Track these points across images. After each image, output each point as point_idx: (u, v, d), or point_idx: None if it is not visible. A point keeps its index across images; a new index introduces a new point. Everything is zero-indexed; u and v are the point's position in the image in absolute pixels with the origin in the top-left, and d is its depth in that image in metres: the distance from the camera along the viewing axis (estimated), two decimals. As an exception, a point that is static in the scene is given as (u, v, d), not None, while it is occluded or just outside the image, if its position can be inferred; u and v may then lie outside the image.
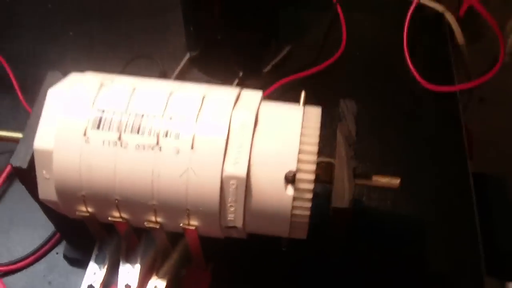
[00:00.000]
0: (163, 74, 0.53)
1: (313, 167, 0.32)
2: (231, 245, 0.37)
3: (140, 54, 0.55)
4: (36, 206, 0.38)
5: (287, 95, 0.52)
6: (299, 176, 0.32)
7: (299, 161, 0.32)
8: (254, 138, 0.33)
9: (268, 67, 0.54)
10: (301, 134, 0.33)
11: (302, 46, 0.56)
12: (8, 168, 0.48)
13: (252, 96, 0.35)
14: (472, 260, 0.44)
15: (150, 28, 0.59)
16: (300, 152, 0.32)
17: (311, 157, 0.32)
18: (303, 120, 0.33)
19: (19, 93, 0.53)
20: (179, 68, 0.54)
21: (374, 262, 0.43)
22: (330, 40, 0.57)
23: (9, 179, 0.49)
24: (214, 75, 0.54)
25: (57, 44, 0.58)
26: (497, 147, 1.25)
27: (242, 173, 0.32)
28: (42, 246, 0.45)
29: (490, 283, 0.51)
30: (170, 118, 0.33)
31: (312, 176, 0.32)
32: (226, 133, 0.32)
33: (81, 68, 0.40)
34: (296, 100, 0.36)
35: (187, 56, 0.55)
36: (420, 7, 0.59)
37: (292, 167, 0.32)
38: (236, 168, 0.32)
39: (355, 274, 0.42)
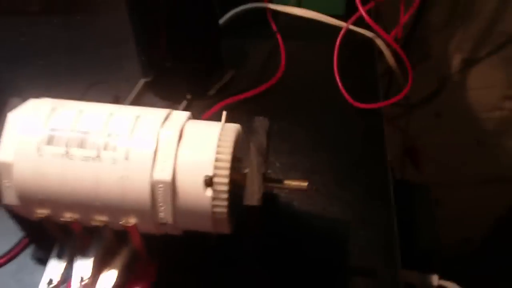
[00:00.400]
0: (116, 99, 0.60)
1: (227, 172, 0.39)
2: (172, 242, 0.44)
3: (99, 81, 0.62)
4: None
5: (231, 115, 0.59)
6: (215, 180, 0.39)
7: (215, 167, 0.39)
8: (178, 150, 0.39)
9: (213, 90, 0.61)
10: (218, 146, 0.40)
11: (245, 71, 0.64)
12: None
13: (180, 116, 0.42)
14: (389, 256, 0.51)
15: (108, 58, 0.66)
16: (216, 160, 0.39)
17: (226, 164, 0.39)
18: (220, 135, 0.40)
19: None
20: (134, 92, 0.61)
21: (299, 254, 0.50)
22: (270, 65, 0.64)
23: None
24: (166, 98, 0.61)
25: (26, 73, 0.65)
26: (448, 158, 1.32)
27: (168, 178, 0.39)
28: (12, 248, 0.51)
29: (410, 276, 0.58)
30: (109, 135, 0.40)
31: (226, 180, 0.39)
32: (155, 146, 0.39)
33: (48, 95, 0.47)
34: (236, 119, 0.43)
35: (142, 81, 0.62)
36: (352, 33, 0.67)
37: (209, 172, 0.39)
38: (162, 174, 0.39)
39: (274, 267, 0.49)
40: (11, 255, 0.50)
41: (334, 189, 0.54)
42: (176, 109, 0.46)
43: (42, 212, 0.42)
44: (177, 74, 0.59)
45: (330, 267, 0.49)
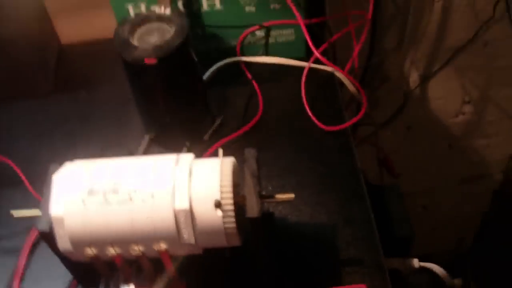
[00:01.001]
0: (131, 154, 0.71)
1: (231, 195, 0.50)
2: (195, 261, 0.55)
3: (111, 142, 0.73)
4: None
5: (226, 152, 0.71)
6: (223, 202, 0.50)
7: (221, 192, 0.50)
8: (191, 183, 0.51)
9: (208, 135, 0.73)
10: (220, 176, 0.51)
11: (231, 115, 0.76)
12: (33, 235, 0.65)
13: (187, 157, 0.54)
14: (372, 247, 0.62)
15: (114, 122, 0.77)
16: (221, 186, 0.51)
17: (228, 189, 0.51)
18: (221, 167, 0.52)
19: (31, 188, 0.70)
20: (142, 147, 0.72)
21: (294, 252, 0.61)
22: (251, 107, 0.77)
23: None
24: (168, 148, 0.72)
25: (47, 143, 0.76)
26: (426, 165, 1.44)
27: (186, 206, 0.50)
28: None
29: (394, 262, 0.69)
30: (135, 180, 0.51)
31: (231, 201, 0.50)
32: (172, 183, 0.51)
33: (68, 159, 0.58)
34: (230, 154, 0.54)
35: (147, 138, 0.73)
36: (317, 71, 0.79)
37: (217, 197, 0.50)
38: (182, 204, 0.50)
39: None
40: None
41: (318, 199, 0.66)
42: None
43: (90, 252, 0.53)
44: (176, 127, 0.71)
45: (324, 261, 0.61)
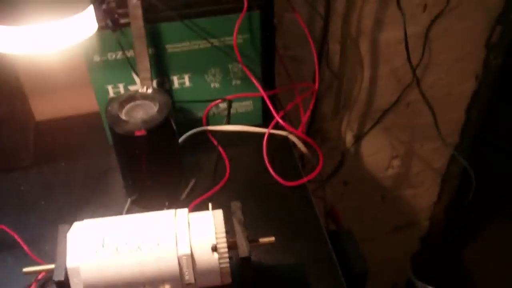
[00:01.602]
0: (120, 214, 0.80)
1: (225, 239, 0.61)
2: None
3: (96, 207, 0.82)
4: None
5: (200, 210, 0.81)
6: (218, 245, 0.60)
7: (216, 238, 0.61)
8: (190, 233, 0.61)
9: (183, 196, 0.83)
10: (214, 225, 0.62)
11: (202, 177, 0.86)
12: None
13: (183, 211, 0.64)
14: (335, 283, 0.73)
15: (95, 189, 0.86)
16: (216, 233, 0.61)
17: (223, 234, 0.61)
18: (214, 219, 0.62)
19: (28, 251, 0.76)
20: (125, 209, 0.81)
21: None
22: (219, 169, 0.88)
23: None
24: (148, 208, 0.81)
25: (33, 214, 0.83)
26: (362, 215, 1.58)
27: (188, 252, 0.60)
28: None
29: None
30: (142, 231, 0.61)
31: (225, 244, 0.61)
32: (174, 234, 0.60)
33: (57, 225, 0.66)
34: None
35: (129, 200, 0.82)
36: (273, 135, 0.91)
37: (214, 242, 0.60)
38: (184, 250, 0.60)
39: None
40: None
41: (286, 244, 0.77)
42: None
43: (102, 298, 0.61)
44: (156, 189, 0.80)
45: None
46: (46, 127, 0.98)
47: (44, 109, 0.98)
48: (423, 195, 1.61)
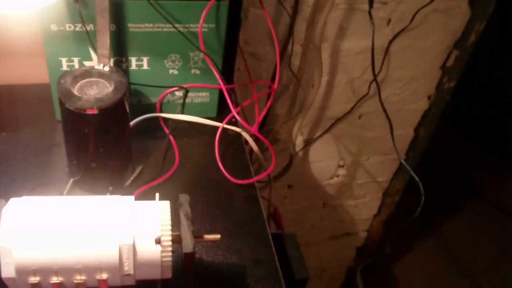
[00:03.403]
0: (61, 194, 0.76)
1: (169, 233, 0.58)
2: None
3: (36, 183, 0.78)
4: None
5: (144, 199, 0.78)
6: (162, 239, 0.58)
7: (161, 230, 0.58)
8: (135, 222, 0.58)
9: (128, 182, 0.80)
10: (160, 217, 0.59)
11: (149, 165, 0.83)
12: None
13: (129, 199, 0.61)
14: (276, 286, 0.72)
15: (36, 164, 0.81)
16: (161, 225, 0.58)
17: (168, 228, 0.59)
18: (160, 209, 0.60)
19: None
20: (66, 189, 0.77)
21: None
22: (168, 159, 0.85)
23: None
24: (92, 191, 0.78)
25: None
26: (303, 220, 1.58)
27: (130, 242, 0.57)
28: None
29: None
30: (83, 216, 0.58)
31: (169, 238, 0.58)
32: (118, 221, 0.58)
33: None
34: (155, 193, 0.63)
35: (71, 180, 0.78)
36: (226, 130, 0.89)
37: (158, 234, 0.58)
38: (126, 239, 0.57)
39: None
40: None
41: (229, 242, 0.75)
42: None
43: (33, 280, 0.57)
44: (100, 172, 0.77)
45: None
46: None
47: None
48: (364, 207, 1.63)
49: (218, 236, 0.63)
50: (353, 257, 1.84)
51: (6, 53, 0.90)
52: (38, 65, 0.83)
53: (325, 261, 1.81)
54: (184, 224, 0.61)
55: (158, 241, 0.58)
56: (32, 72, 0.90)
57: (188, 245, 0.59)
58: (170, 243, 0.58)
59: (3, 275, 0.57)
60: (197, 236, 0.62)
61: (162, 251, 0.58)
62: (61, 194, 0.76)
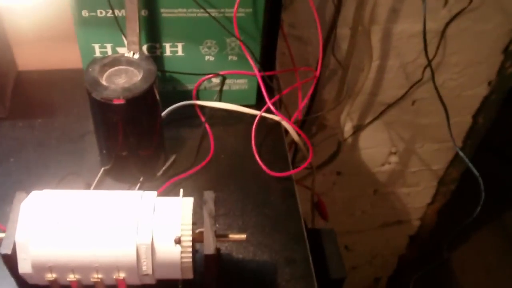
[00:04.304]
0: (88, 186, 0.75)
1: (190, 233, 0.56)
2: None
3: (67, 172, 0.77)
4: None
5: (176, 190, 0.76)
6: (182, 239, 0.55)
7: (181, 230, 0.55)
8: (154, 220, 0.56)
9: (160, 172, 0.78)
10: (182, 215, 0.56)
11: (183, 154, 0.81)
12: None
13: (151, 195, 0.58)
14: (308, 286, 0.68)
15: (70, 152, 0.80)
16: (182, 224, 0.56)
17: (188, 227, 0.56)
18: (182, 207, 0.57)
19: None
20: (96, 179, 0.76)
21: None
22: (203, 148, 0.82)
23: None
24: (122, 181, 0.76)
25: (1, 169, 0.78)
26: (352, 208, 1.54)
27: (148, 241, 0.55)
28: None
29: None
30: (101, 213, 0.55)
31: (190, 238, 0.55)
32: (137, 219, 0.55)
33: (24, 187, 0.61)
34: (182, 192, 0.60)
35: (102, 170, 0.77)
36: (265, 119, 0.86)
37: (178, 234, 0.55)
38: (144, 238, 0.55)
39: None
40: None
41: (261, 239, 0.71)
42: (132, 190, 0.63)
43: (50, 276, 0.56)
44: (132, 162, 0.75)
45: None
46: (28, 78, 0.92)
47: (29, 59, 0.92)
48: (417, 195, 1.56)
49: (243, 236, 0.60)
50: (405, 245, 1.77)
51: (42, 38, 0.88)
52: (75, 49, 0.81)
53: (376, 249, 1.76)
54: (207, 223, 0.58)
55: (177, 241, 0.55)
56: (69, 57, 0.88)
57: (209, 246, 0.56)
58: (190, 243, 0.56)
59: (20, 271, 0.56)
60: (221, 235, 0.60)
61: (182, 252, 0.55)
62: (90, 184, 0.75)
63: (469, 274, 1.95)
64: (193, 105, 0.86)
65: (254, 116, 0.84)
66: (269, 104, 0.80)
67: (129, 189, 0.76)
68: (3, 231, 0.57)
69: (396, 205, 1.58)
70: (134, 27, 0.71)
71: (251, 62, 0.79)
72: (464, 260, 1.97)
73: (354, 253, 1.74)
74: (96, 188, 0.75)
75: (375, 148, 1.35)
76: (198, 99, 0.86)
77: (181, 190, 0.60)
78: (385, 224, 1.65)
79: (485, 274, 1.95)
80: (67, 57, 0.90)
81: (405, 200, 1.57)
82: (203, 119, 0.85)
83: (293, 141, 0.88)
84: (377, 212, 1.59)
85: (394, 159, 1.40)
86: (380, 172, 1.44)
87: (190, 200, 0.59)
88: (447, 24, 1.08)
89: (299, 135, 0.85)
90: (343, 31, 1.03)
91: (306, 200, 1.17)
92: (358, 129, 1.28)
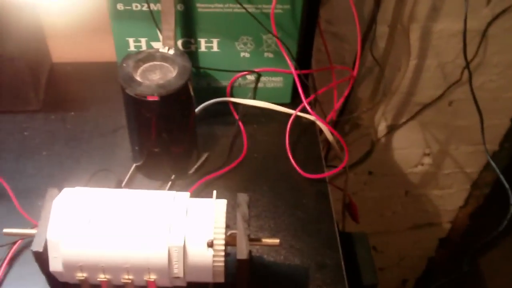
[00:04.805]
0: (120, 183, 0.74)
1: (223, 236, 0.54)
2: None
3: (99, 167, 0.76)
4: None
5: (207, 189, 0.74)
6: (215, 242, 0.54)
7: (214, 233, 0.54)
8: (187, 222, 0.54)
9: (192, 170, 0.76)
10: (215, 218, 0.55)
11: (216, 152, 0.79)
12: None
13: (183, 196, 0.57)
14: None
15: (101, 146, 0.80)
16: (214, 227, 0.54)
17: (221, 230, 0.54)
18: (215, 209, 0.56)
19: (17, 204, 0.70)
20: (128, 175, 0.75)
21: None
22: (235, 147, 0.81)
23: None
24: (154, 178, 0.75)
25: (32, 163, 0.78)
26: (382, 209, 1.51)
27: (180, 244, 0.53)
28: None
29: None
30: (133, 215, 0.54)
31: (223, 242, 0.54)
32: (169, 221, 0.54)
33: (55, 181, 0.60)
34: (214, 190, 0.58)
35: (133, 166, 0.76)
36: (299, 118, 0.84)
37: (211, 237, 0.54)
38: (176, 241, 0.53)
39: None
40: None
41: (293, 242, 0.70)
42: (164, 187, 0.62)
43: (80, 275, 0.55)
44: (164, 159, 0.74)
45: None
46: (62, 70, 0.92)
47: (63, 51, 0.92)
48: (450, 198, 1.53)
49: (277, 241, 0.58)
50: (435, 248, 1.74)
51: (77, 30, 0.88)
52: (109, 43, 0.80)
53: (405, 250, 1.73)
54: (241, 227, 0.56)
55: (210, 245, 0.54)
56: (103, 50, 0.87)
57: (242, 251, 0.55)
58: (223, 247, 0.54)
59: (51, 269, 0.55)
60: (254, 239, 0.58)
61: (214, 256, 0.54)
62: (121, 180, 0.74)
63: (497, 279, 1.91)
64: (226, 102, 0.84)
65: (288, 114, 0.83)
66: (305, 103, 0.78)
67: (160, 186, 0.75)
68: (35, 226, 0.56)
69: (427, 207, 1.55)
70: (170, 22, 0.70)
71: (288, 59, 0.77)
72: (493, 266, 1.92)
73: (382, 254, 1.71)
74: (127, 184, 0.74)
75: (409, 148, 1.32)
76: (232, 96, 0.84)
77: (214, 192, 0.58)
78: (415, 226, 1.62)
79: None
80: (101, 50, 0.90)
81: (437, 202, 1.54)
82: (236, 116, 0.83)
83: (326, 140, 0.86)
84: (407, 213, 1.56)
85: (427, 160, 1.37)
86: (412, 173, 1.41)
87: (223, 202, 0.57)
88: (489, 24, 1.05)
89: (333, 135, 0.82)
90: (381, 29, 1.01)
91: (336, 200, 1.15)
92: (392, 129, 1.25)
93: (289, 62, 0.77)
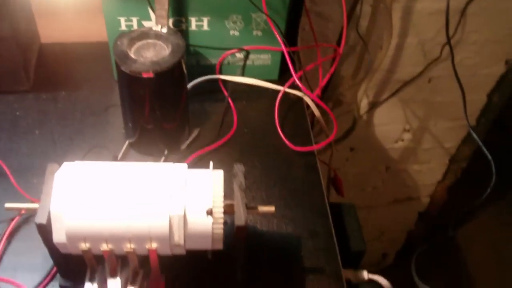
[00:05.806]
0: (115, 158, 0.76)
1: (221, 204, 0.57)
2: (177, 262, 0.60)
3: (92, 145, 0.77)
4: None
5: (200, 163, 0.77)
6: (214, 210, 0.56)
7: (213, 202, 0.56)
8: (186, 191, 0.57)
9: (184, 145, 0.78)
10: (213, 187, 0.57)
11: (207, 128, 0.82)
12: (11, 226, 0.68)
13: (182, 167, 0.59)
14: (331, 258, 0.69)
15: (93, 124, 0.81)
16: (213, 196, 0.57)
17: (220, 198, 0.57)
18: (213, 179, 0.58)
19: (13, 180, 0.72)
20: (122, 151, 0.77)
21: (264, 261, 0.68)
22: (226, 122, 0.83)
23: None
24: (147, 154, 0.77)
25: (26, 141, 0.79)
26: (363, 184, 1.54)
27: (181, 212, 0.56)
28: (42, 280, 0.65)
29: (347, 273, 0.77)
30: (134, 186, 0.56)
31: (221, 209, 0.57)
32: (169, 191, 0.56)
33: (49, 159, 0.61)
34: (206, 166, 0.61)
35: (127, 142, 0.78)
36: (287, 94, 0.86)
37: (210, 206, 0.56)
38: (177, 209, 0.56)
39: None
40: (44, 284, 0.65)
41: (285, 212, 0.73)
42: (157, 161, 0.64)
43: (83, 246, 0.57)
44: (157, 135, 0.76)
45: (288, 268, 0.68)
46: (51, 50, 0.93)
47: (52, 31, 0.92)
48: (428, 172, 1.57)
49: (272, 209, 0.61)
50: (414, 221, 1.79)
51: (66, 10, 0.89)
52: (98, 23, 0.81)
53: (385, 225, 1.78)
54: (238, 195, 0.59)
55: (209, 213, 0.56)
56: (92, 30, 0.89)
57: (240, 217, 0.57)
58: (222, 215, 0.57)
59: (55, 240, 0.57)
60: (250, 207, 0.60)
61: (213, 223, 0.56)
62: (116, 156, 0.76)
63: (474, 250, 1.97)
64: (216, 80, 0.86)
65: (276, 91, 0.85)
66: (294, 78, 0.81)
67: (153, 161, 0.77)
68: (32, 202, 0.58)
69: (407, 182, 1.59)
70: (162, 1, 0.71)
71: (278, 37, 0.79)
72: (469, 237, 1.98)
73: (363, 229, 1.75)
74: (121, 160, 0.76)
75: (389, 125, 1.36)
76: (221, 73, 0.86)
77: (211, 163, 0.61)
78: (396, 200, 1.66)
79: (490, 250, 1.97)
80: (90, 30, 0.91)
81: (416, 177, 1.58)
82: (226, 93, 0.85)
83: (310, 116, 0.88)
84: (388, 188, 1.60)
85: (407, 136, 1.41)
86: (393, 148, 1.45)
87: (220, 173, 0.60)
88: (468, 3, 1.08)
89: (321, 109, 0.85)
90: (364, 8, 1.03)
91: (322, 175, 1.18)
92: (373, 105, 1.28)
93: (279, 39, 0.80)
